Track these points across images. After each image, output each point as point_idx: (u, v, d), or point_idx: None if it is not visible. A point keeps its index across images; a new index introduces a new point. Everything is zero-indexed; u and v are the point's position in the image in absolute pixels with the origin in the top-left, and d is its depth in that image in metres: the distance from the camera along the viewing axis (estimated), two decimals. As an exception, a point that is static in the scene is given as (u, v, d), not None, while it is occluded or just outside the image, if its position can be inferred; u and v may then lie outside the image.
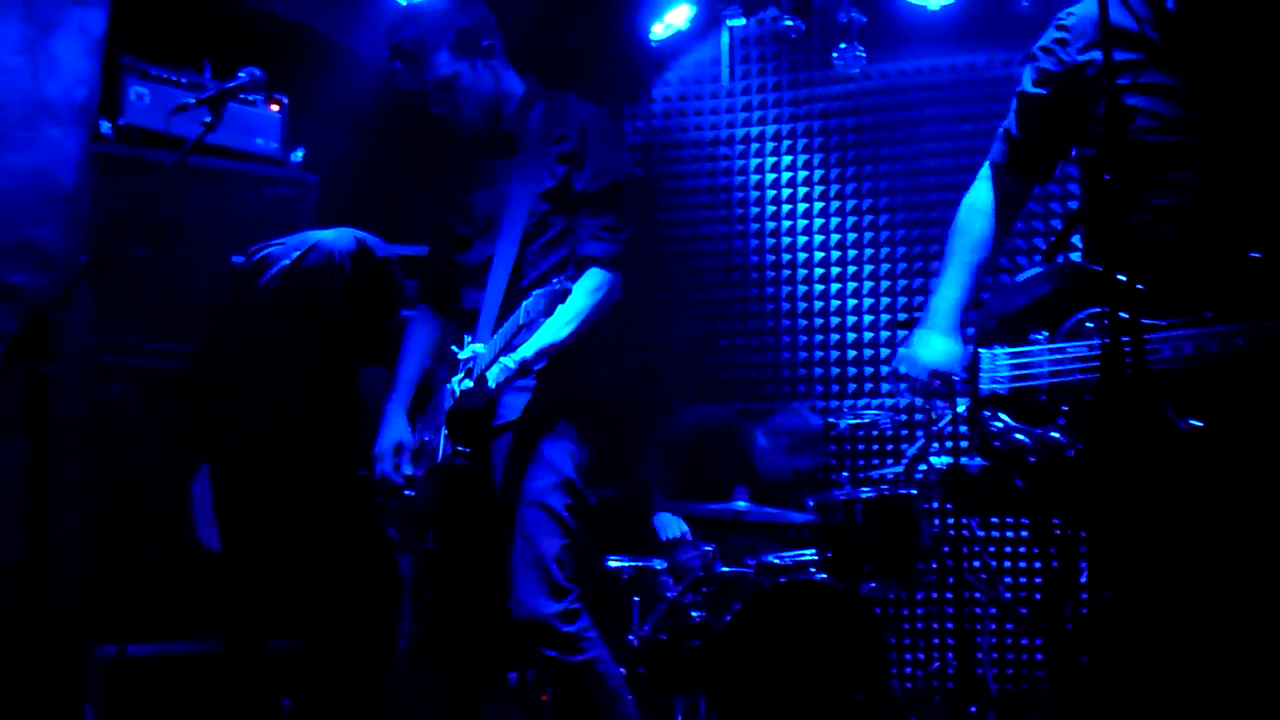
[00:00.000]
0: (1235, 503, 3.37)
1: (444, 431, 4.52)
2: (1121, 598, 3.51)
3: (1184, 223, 3.49)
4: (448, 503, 4.63)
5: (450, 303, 4.85)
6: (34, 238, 5.46)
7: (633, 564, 6.40)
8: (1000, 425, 3.57)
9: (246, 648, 5.71)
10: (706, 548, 6.46)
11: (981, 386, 3.63)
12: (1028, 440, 3.53)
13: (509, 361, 4.19)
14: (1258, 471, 3.33)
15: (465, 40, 4.61)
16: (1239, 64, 3.51)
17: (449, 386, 4.40)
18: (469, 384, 4.27)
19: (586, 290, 4.43)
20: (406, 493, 4.68)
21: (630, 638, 6.14)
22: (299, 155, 6.41)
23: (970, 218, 4.02)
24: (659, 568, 6.44)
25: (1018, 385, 3.57)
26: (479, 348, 4.31)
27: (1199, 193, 3.49)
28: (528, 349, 4.24)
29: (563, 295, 4.08)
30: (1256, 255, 3.31)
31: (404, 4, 4.75)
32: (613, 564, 6.40)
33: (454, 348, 4.47)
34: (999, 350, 3.63)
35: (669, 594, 6.30)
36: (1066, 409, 3.48)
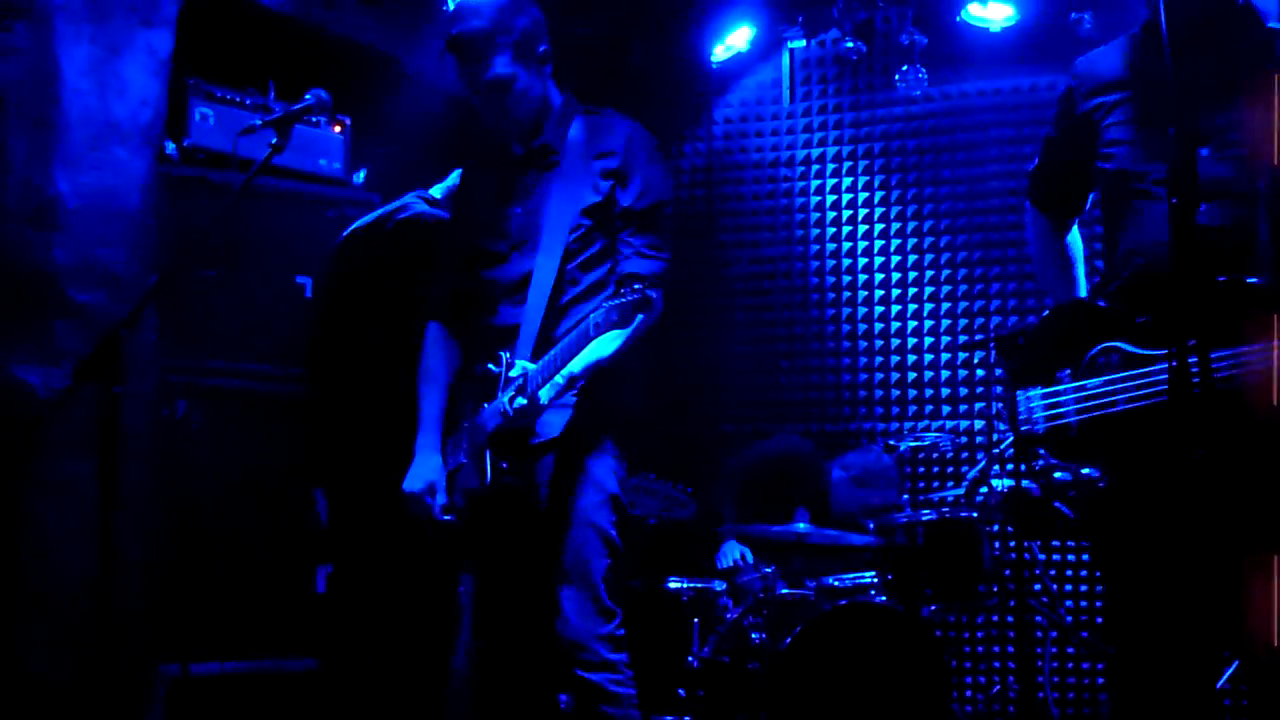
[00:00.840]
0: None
1: (489, 453, 4.41)
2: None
3: (1152, 254, 3.71)
4: (500, 525, 4.57)
5: (462, 320, 4.78)
6: (101, 258, 5.51)
7: (693, 585, 6.42)
8: (1041, 464, 3.73)
9: (350, 668, 5.78)
10: (767, 569, 6.47)
11: (1020, 427, 3.86)
12: (1068, 476, 3.69)
13: (559, 378, 4.16)
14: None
15: (526, 44, 4.51)
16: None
17: (497, 405, 4.30)
18: (523, 401, 4.20)
19: None
20: (447, 517, 4.60)
21: (690, 659, 6.16)
22: (361, 176, 6.46)
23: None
24: (719, 589, 6.44)
25: (1051, 425, 3.77)
26: (529, 365, 4.23)
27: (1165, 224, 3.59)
28: (576, 365, 4.17)
29: (644, 304, 3.99)
30: (1223, 279, 3.47)
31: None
32: (673, 585, 6.41)
33: (491, 365, 4.39)
34: (1033, 391, 3.85)
35: (729, 616, 6.31)
36: (1097, 443, 3.67)
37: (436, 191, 5.71)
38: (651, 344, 4.46)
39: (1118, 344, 3.69)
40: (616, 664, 4.35)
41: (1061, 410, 3.76)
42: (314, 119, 6.08)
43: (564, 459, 4.45)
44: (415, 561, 5.67)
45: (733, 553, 6.80)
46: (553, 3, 7.07)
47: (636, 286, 4.03)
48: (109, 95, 5.63)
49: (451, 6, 6.74)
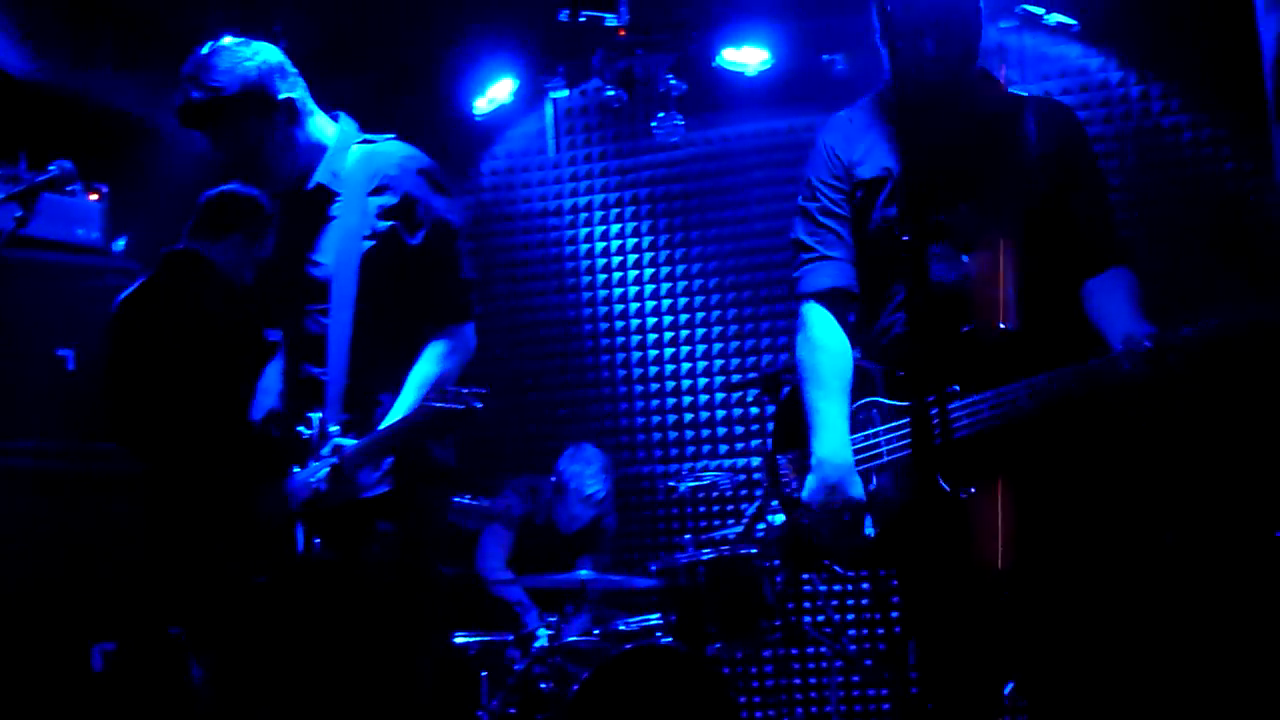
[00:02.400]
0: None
1: (300, 525, 4.10)
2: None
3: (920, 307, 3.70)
4: (312, 600, 4.20)
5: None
6: None
7: (479, 639, 6.36)
8: (808, 521, 3.76)
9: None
10: (552, 618, 6.43)
11: (784, 490, 3.90)
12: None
13: (368, 452, 3.97)
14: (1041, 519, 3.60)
15: (264, 96, 4.17)
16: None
17: (307, 475, 4.04)
18: (334, 487, 3.97)
19: (434, 356, 4.12)
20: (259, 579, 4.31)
21: (480, 714, 6.09)
22: (121, 244, 6.29)
23: None
24: (505, 640, 6.39)
25: None
26: (345, 441, 3.98)
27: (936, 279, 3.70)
28: (385, 433, 3.98)
29: (466, 414, 3.79)
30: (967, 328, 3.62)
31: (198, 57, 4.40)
32: (460, 640, 6.34)
33: (301, 428, 4.12)
34: (794, 454, 3.89)
35: (517, 667, 6.24)
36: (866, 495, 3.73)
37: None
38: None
39: (877, 399, 3.77)
40: None
41: None
42: (69, 188, 5.87)
43: (384, 518, 4.16)
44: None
45: (511, 592, 6.74)
46: (316, 57, 6.93)
47: (456, 391, 3.84)
48: None
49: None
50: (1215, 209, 7.10)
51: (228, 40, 4.22)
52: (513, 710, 6.10)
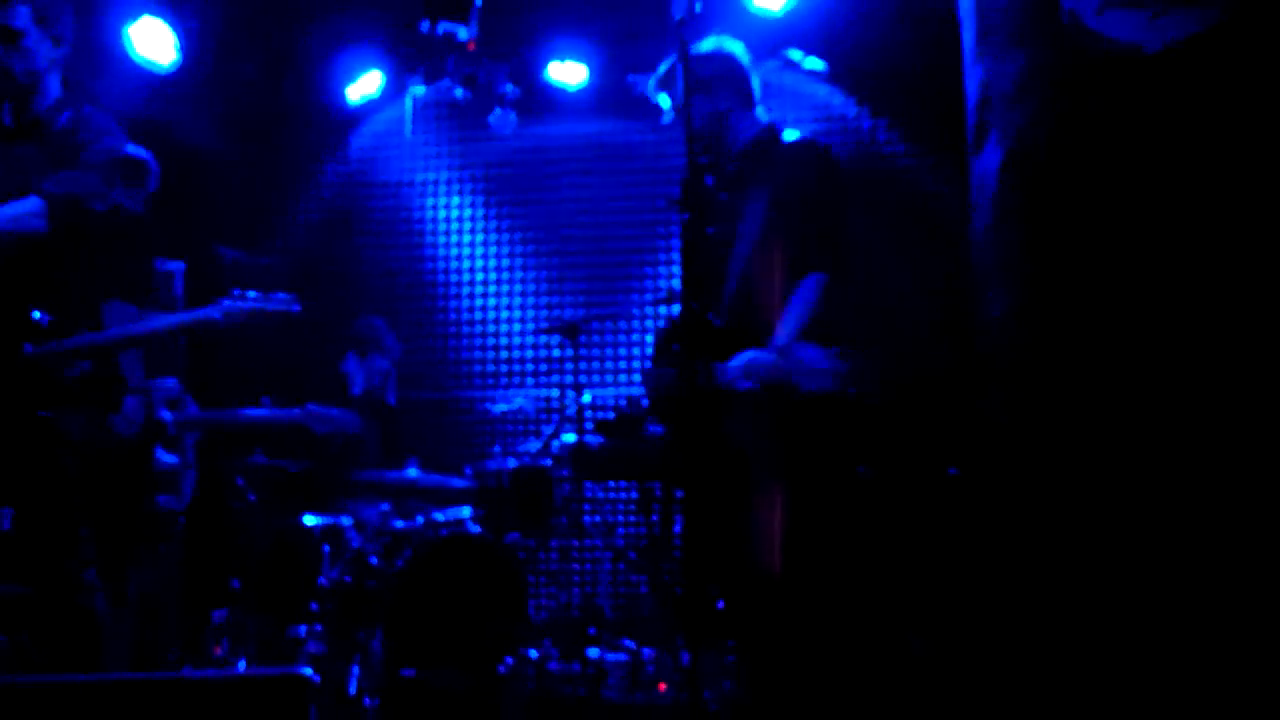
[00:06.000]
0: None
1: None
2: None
3: None
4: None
5: None
6: None
7: (323, 520, 6.45)
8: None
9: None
10: (384, 506, 6.51)
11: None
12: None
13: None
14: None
15: (51, 16, 4.11)
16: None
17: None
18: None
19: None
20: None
21: (321, 579, 6.23)
22: None
23: None
24: (346, 524, 6.44)
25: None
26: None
27: None
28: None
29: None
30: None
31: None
32: (308, 521, 6.45)
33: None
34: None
35: (354, 544, 6.35)
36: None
37: None
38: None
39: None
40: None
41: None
42: None
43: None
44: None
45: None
46: (221, 45, 7.07)
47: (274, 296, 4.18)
48: None
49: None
50: (922, 222, 7.38)
51: None
52: (348, 579, 6.19)
